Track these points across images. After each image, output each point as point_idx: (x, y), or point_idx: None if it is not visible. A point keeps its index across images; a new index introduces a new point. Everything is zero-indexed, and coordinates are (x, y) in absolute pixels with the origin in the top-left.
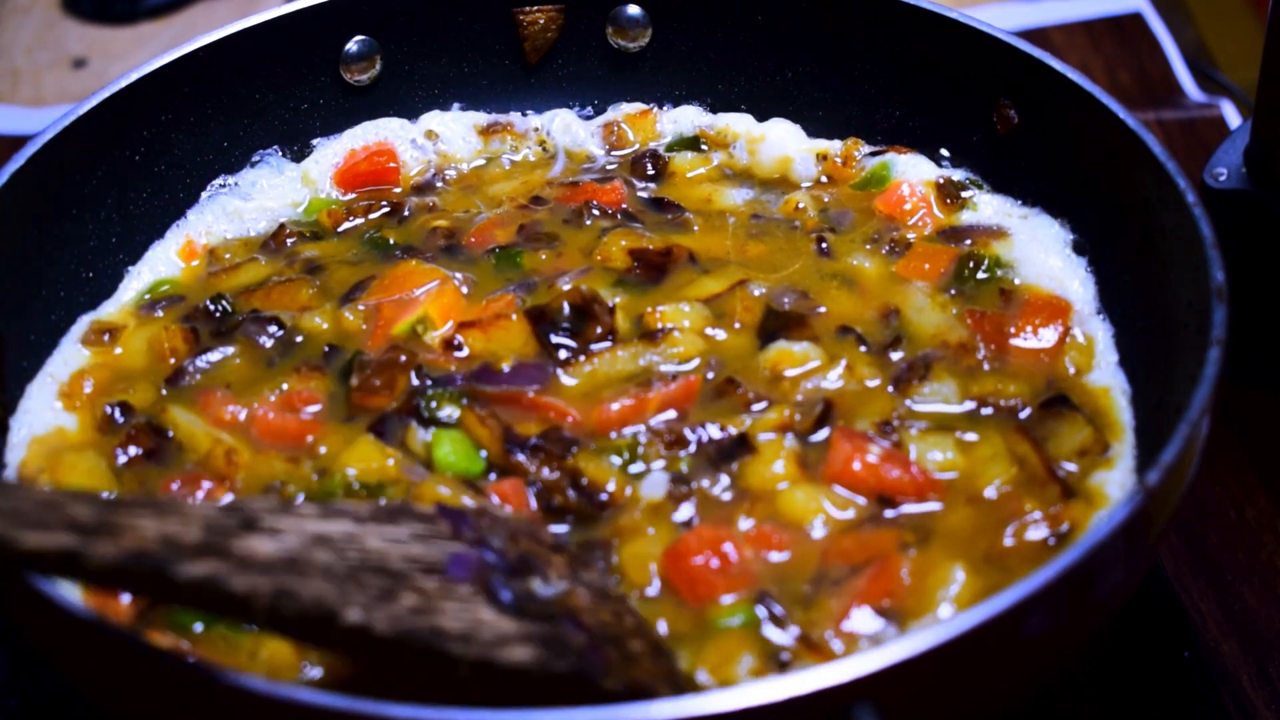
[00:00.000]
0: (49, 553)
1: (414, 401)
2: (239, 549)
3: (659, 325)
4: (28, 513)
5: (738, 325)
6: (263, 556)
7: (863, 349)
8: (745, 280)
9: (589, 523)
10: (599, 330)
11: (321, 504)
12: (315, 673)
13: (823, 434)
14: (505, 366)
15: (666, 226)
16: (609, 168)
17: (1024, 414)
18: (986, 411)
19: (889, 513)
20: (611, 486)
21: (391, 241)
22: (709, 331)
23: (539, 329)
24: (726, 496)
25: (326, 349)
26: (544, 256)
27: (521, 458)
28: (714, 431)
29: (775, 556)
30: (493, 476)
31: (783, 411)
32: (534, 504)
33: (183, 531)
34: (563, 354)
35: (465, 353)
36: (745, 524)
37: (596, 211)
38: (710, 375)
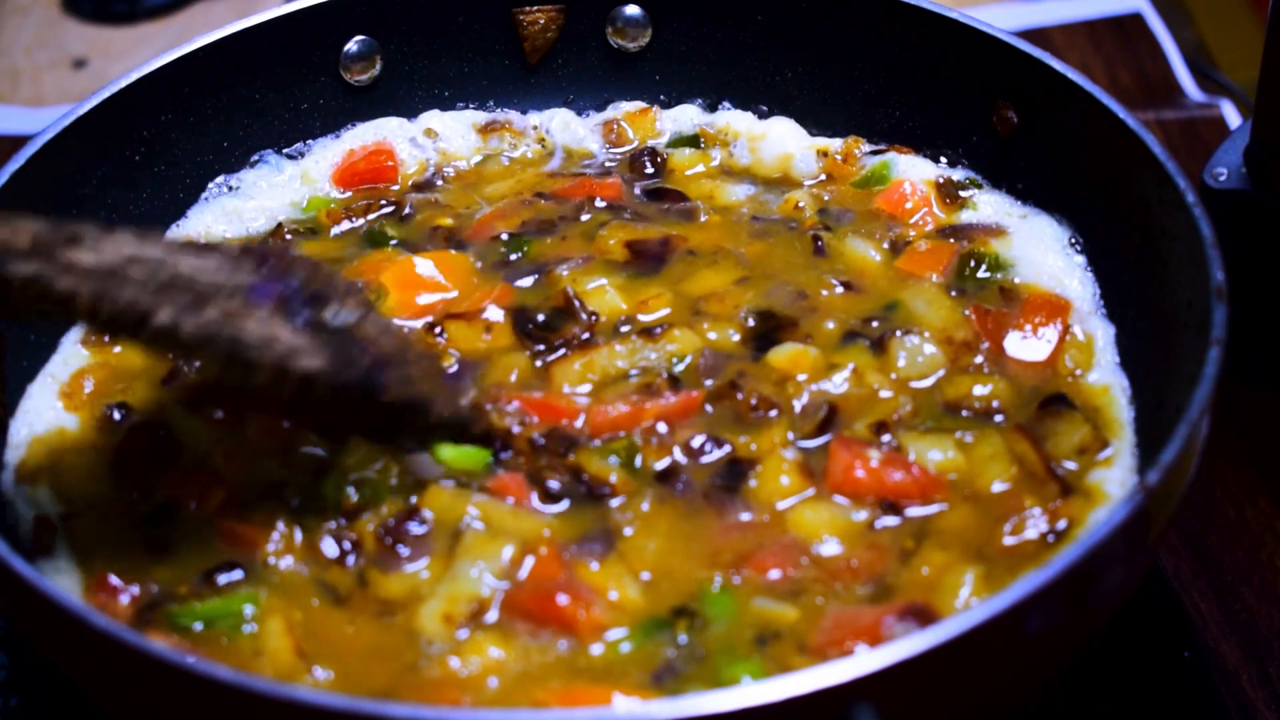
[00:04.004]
0: None
1: None
2: (64, 257)
3: (658, 325)
4: None
5: (734, 333)
6: (85, 264)
7: (863, 343)
8: (744, 278)
9: (593, 507)
10: (576, 330)
11: (139, 230)
12: (320, 674)
13: (824, 439)
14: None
15: (666, 218)
16: (608, 165)
17: (1023, 414)
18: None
19: (894, 520)
20: (613, 480)
21: (390, 234)
22: (707, 331)
23: (517, 324)
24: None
25: None
26: (548, 242)
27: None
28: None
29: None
30: (500, 472)
31: (783, 421)
32: (534, 495)
33: (14, 239)
34: (539, 347)
35: (444, 339)
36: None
37: (599, 204)
38: (709, 382)
